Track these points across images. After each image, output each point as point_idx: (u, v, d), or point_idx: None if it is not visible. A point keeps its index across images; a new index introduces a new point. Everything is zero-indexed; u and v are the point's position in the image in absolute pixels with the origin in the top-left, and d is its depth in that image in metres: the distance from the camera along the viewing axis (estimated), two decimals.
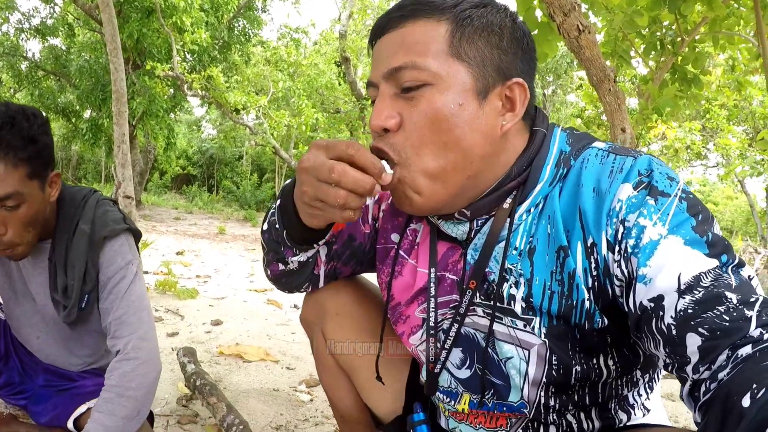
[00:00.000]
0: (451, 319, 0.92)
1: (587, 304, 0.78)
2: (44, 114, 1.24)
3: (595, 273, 0.78)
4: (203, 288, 4.29)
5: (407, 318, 1.00)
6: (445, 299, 0.93)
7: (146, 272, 4.19)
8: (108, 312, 1.34)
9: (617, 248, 0.75)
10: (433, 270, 0.94)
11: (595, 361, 0.83)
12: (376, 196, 1.09)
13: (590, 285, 0.78)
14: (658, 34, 3.63)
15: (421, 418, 1.03)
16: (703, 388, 0.63)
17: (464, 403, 0.95)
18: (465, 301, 0.89)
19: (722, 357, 0.62)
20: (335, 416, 1.32)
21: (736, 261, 0.70)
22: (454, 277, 0.92)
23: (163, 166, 19.69)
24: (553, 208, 0.81)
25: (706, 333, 0.64)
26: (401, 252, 1.01)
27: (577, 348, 0.82)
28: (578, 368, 0.82)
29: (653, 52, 3.69)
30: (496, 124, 0.81)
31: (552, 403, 0.87)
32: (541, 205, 0.83)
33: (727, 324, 0.63)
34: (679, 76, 3.68)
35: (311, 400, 2.24)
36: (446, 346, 0.94)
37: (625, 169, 0.77)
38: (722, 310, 0.65)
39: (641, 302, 0.71)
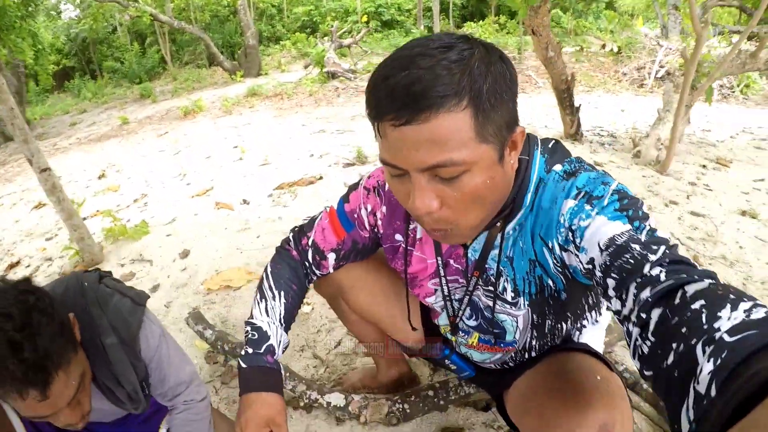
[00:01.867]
0: (462, 292, 1.23)
1: (552, 288, 1.09)
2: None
3: (558, 268, 1.03)
4: (148, 215, 4.18)
5: (422, 286, 1.29)
6: (453, 278, 1.22)
7: (84, 218, 4.05)
8: (162, 382, 1.38)
9: (570, 248, 0.97)
10: (439, 258, 1.20)
11: (561, 315, 1.16)
12: (369, 207, 1.28)
13: (555, 275, 1.06)
14: None
15: (447, 353, 1.43)
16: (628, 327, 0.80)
17: (474, 338, 1.30)
18: (472, 283, 1.18)
19: (630, 296, 0.78)
20: (362, 342, 1.71)
21: (651, 226, 0.87)
22: (459, 266, 1.18)
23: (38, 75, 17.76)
24: (530, 226, 1.04)
25: (616, 276, 0.82)
26: (408, 248, 1.24)
27: (548, 311, 1.14)
28: (549, 321, 1.17)
29: None
30: (509, 169, 0.97)
31: (533, 341, 1.22)
32: (521, 224, 1.05)
33: (630, 266, 0.80)
34: None
35: (312, 309, 2.42)
36: (461, 308, 1.26)
37: (566, 188, 0.98)
38: (628, 257, 0.82)
39: (585, 268, 0.93)
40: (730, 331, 0.58)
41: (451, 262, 1.19)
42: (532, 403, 1.17)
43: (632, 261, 0.81)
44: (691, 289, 0.71)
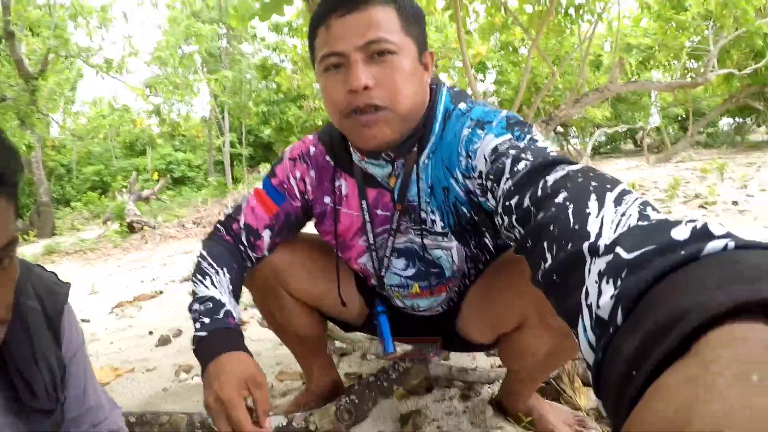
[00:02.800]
0: (388, 237, 1.29)
1: (467, 216, 1.18)
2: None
3: (465, 195, 1.16)
4: None
5: (353, 247, 1.35)
6: (382, 228, 1.29)
7: None
8: (80, 399, 1.08)
9: (469, 174, 1.11)
10: (363, 202, 1.27)
11: (482, 237, 1.24)
12: (298, 174, 1.35)
13: (465, 202, 1.17)
14: None
15: (381, 309, 1.46)
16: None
17: (415, 288, 1.36)
18: (395, 220, 1.25)
19: (499, 191, 0.88)
20: (292, 346, 1.64)
21: (533, 137, 0.99)
22: (387, 213, 1.27)
23: None
24: (440, 155, 1.17)
25: (493, 177, 0.93)
26: (336, 206, 1.33)
27: (469, 237, 1.23)
28: (473, 245, 1.25)
29: None
30: (424, 80, 1.14)
31: (469, 268, 1.32)
32: (434, 152, 1.18)
33: (503, 166, 0.90)
34: None
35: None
36: (387, 254, 1.32)
37: (463, 120, 1.14)
38: (503, 159, 0.92)
39: (478, 184, 1.06)
40: (620, 241, 0.51)
41: (379, 211, 1.27)
42: (481, 310, 1.31)
43: (505, 161, 0.91)
44: (551, 177, 0.75)
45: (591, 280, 0.51)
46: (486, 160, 1.01)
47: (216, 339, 1.11)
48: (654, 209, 0.59)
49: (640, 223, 0.54)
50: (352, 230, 1.33)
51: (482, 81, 15.59)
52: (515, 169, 0.86)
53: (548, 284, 0.61)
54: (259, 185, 1.38)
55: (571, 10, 6.71)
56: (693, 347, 0.33)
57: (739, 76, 10.89)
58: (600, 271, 0.50)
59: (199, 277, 1.23)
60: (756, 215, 4.74)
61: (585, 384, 1.66)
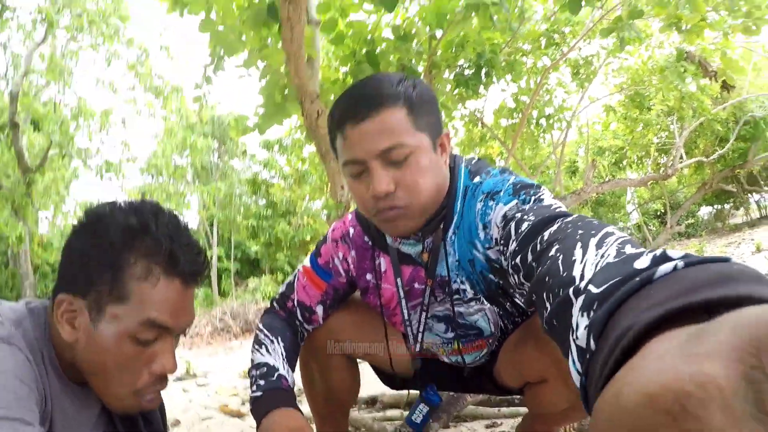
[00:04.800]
0: (420, 310, 1.41)
1: (494, 281, 1.30)
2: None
3: (488, 263, 1.27)
4: None
5: (396, 315, 1.47)
6: (418, 301, 1.41)
7: None
8: None
9: (490, 244, 1.22)
10: (399, 279, 1.39)
11: (518, 300, 1.36)
12: (341, 255, 1.46)
13: (490, 270, 1.29)
14: None
15: (431, 393, 1.55)
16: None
17: (456, 345, 1.45)
18: (427, 294, 1.37)
19: (508, 252, 0.96)
20: (319, 407, 1.67)
21: (538, 197, 1.08)
22: (421, 286, 1.38)
23: None
24: (463, 231, 1.27)
25: (503, 242, 1.03)
26: (378, 282, 1.45)
27: (502, 299, 1.35)
28: (509, 305, 1.37)
29: None
30: (442, 164, 1.22)
31: (507, 324, 1.42)
32: (458, 228, 1.28)
33: (511, 230, 0.99)
34: None
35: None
36: (420, 329, 1.44)
37: (477, 195, 1.24)
38: (511, 224, 1.01)
39: (498, 251, 1.15)
40: (594, 280, 0.56)
41: (416, 285, 1.38)
42: (512, 358, 1.42)
43: (511, 225, 0.99)
44: (547, 232, 0.82)
45: (574, 318, 0.55)
46: (498, 228, 1.11)
47: (269, 397, 1.24)
48: (633, 245, 0.63)
49: (614, 260, 0.58)
50: (394, 302, 1.45)
51: None
52: (519, 230, 0.94)
53: (551, 330, 0.65)
54: (307, 264, 1.50)
55: (542, 121, 7.28)
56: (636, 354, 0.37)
57: (708, 162, 11.44)
58: (579, 308, 0.55)
59: (257, 346, 1.38)
60: None
61: None
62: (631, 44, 5.77)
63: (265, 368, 1.31)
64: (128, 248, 0.93)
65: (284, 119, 4.61)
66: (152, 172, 17.18)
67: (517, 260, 0.89)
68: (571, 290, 0.59)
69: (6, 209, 12.30)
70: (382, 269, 1.42)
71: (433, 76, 4.83)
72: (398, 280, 1.38)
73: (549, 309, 0.65)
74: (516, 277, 0.91)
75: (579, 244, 0.68)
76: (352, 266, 1.46)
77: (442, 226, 1.28)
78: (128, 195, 14.62)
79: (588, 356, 0.49)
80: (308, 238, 15.61)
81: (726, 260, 0.44)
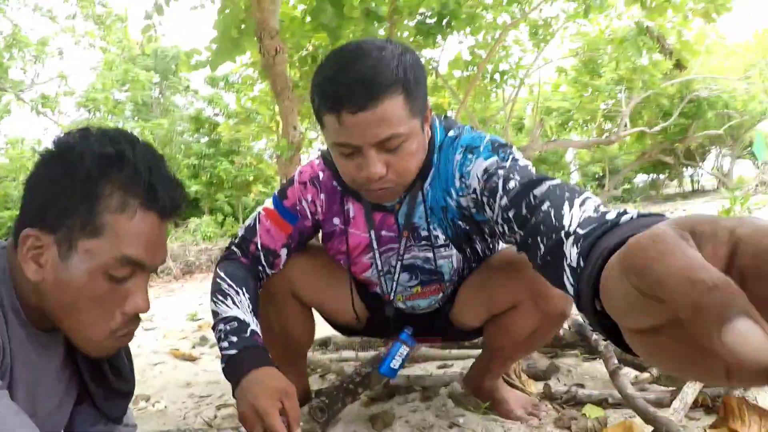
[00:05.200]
0: (395, 258, 1.50)
1: (462, 227, 1.43)
2: None
3: (459, 210, 1.40)
4: None
5: (359, 263, 1.55)
6: (387, 247, 1.50)
7: None
8: (129, 412, 1.22)
9: (463, 192, 1.35)
10: (372, 231, 1.47)
11: (476, 244, 1.50)
12: (309, 197, 1.49)
13: (460, 216, 1.41)
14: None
15: (406, 335, 1.60)
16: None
17: (417, 290, 1.57)
18: (402, 244, 1.47)
19: (496, 205, 1.12)
20: (277, 351, 1.64)
21: (515, 157, 1.22)
22: (392, 234, 1.47)
23: None
24: (438, 180, 1.39)
25: (488, 194, 1.17)
26: (346, 227, 1.51)
27: (465, 245, 1.48)
28: (469, 251, 1.50)
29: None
30: (426, 135, 1.30)
31: (465, 270, 1.56)
32: (433, 179, 1.39)
33: (496, 185, 1.14)
34: None
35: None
36: (395, 276, 1.53)
37: (455, 147, 1.35)
38: (494, 179, 1.16)
39: (473, 199, 1.31)
40: (580, 226, 0.78)
41: (383, 232, 1.47)
42: (477, 295, 1.54)
43: (497, 181, 1.14)
44: (537, 191, 0.99)
45: (567, 250, 0.76)
46: (479, 180, 1.23)
47: (246, 356, 1.22)
48: (604, 206, 0.86)
49: (592, 215, 0.81)
50: (359, 249, 1.51)
51: None
52: (507, 187, 1.10)
53: (544, 263, 0.86)
54: (268, 206, 1.51)
55: (497, 76, 7.33)
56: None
57: (650, 133, 11.89)
58: (570, 243, 0.76)
59: (221, 297, 1.34)
60: None
61: (530, 377, 1.96)
62: (593, 12, 5.82)
63: (236, 323, 1.28)
64: (104, 178, 0.88)
65: (238, 55, 4.48)
66: (90, 106, 16.41)
67: (510, 214, 1.05)
68: (563, 233, 0.81)
69: None
70: (351, 215, 1.48)
71: (394, 22, 4.76)
72: (371, 232, 1.47)
73: (543, 248, 0.88)
74: (506, 226, 1.07)
75: (567, 203, 0.88)
76: (320, 209, 1.50)
77: (419, 181, 1.36)
78: (64, 131, 13.91)
79: (579, 271, 0.71)
80: (251, 178, 15.37)
81: (663, 216, 0.63)
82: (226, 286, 1.36)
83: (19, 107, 14.39)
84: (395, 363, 1.58)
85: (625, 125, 9.69)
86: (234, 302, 1.33)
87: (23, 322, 0.94)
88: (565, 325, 2.21)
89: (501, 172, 1.16)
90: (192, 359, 3.08)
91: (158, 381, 2.66)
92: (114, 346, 0.97)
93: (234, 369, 1.22)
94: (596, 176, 18.57)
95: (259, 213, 1.51)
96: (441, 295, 1.59)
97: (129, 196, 0.89)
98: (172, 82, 21.21)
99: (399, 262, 1.51)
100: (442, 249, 1.48)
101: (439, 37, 5.13)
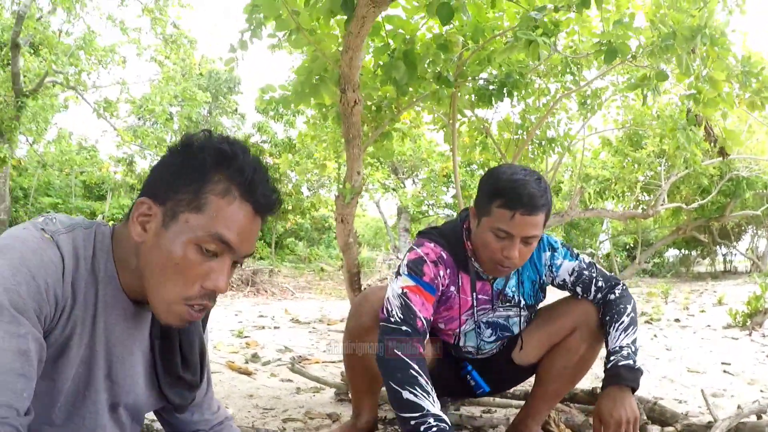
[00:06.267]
0: (488, 314, 2.00)
1: (540, 296, 2.04)
2: None
3: (539, 286, 2.05)
4: None
5: (457, 319, 1.98)
6: (481, 307, 1.98)
7: None
8: (205, 387, 1.32)
9: (549, 276, 2.02)
10: (474, 294, 1.96)
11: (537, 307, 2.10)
12: (441, 273, 1.89)
13: (540, 289, 2.04)
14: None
15: (470, 367, 2.06)
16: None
17: (494, 341, 2.09)
18: (498, 306, 1.99)
19: (590, 296, 1.97)
20: (359, 381, 2.10)
21: (582, 257, 2.01)
22: (486, 297, 1.98)
23: None
24: (527, 264, 1.99)
25: (580, 288, 1.99)
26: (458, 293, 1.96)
27: (533, 309, 2.07)
28: (533, 314, 2.08)
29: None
30: None
31: (523, 326, 2.07)
32: (524, 265, 1.98)
33: (586, 283, 1.98)
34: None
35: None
36: (484, 328, 2.03)
37: (541, 247, 2.01)
38: (583, 278, 1.98)
39: (557, 283, 2.03)
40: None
41: (480, 296, 1.96)
42: (539, 330, 2.02)
43: (587, 279, 1.97)
44: (611, 296, 1.92)
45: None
46: (569, 275, 1.98)
47: None
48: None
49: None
50: (463, 309, 1.96)
51: (444, 193, 16.52)
52: (599, 285, 1.95)
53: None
54: (410, 284, 1.81)
55: (543, 143, 7.57)
56: None
57: (686, 210, 11.92)
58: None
59: (421, 392, 1.63)
60: (695, 330, 5.44)
61: (567, 427, 2.21)
62: (651, 98, 6.09)
63: (437, 420, 1.59)
64: (216, 167, 1.03)
65: (316, 100, 4.82)
66: (145, 115, 17.09)
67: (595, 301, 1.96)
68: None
69: None
70: (460, 284, 1.93)
71: (458, 84, 5.08)
72: (474, 294, 1.95)
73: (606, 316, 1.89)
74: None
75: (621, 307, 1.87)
76: (447, 280, 1.91)
77: None
78: (120, 134, 14.51)
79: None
80: (290, 207, 15.81)
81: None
82: (424, 381, 1.65)
83: (75, 104, 15.07)
84: (473, 382, 2.06)
85: (663, 200, 9.83)
86: (435, 400, 1.64)
87: (117, 289, 1.08)
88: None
89: (586, 273, 1.97)
90: (248, 373, 3.35)
91: (220, 389, 2.92)
92: (183, 314, 1.06)
93: None
94: (627, 247, 18.58)
95: (404, 292, 1.79)
96: (500, 342, 2.11)
97: (232, 186, 1.03)
98: (221, 104, 21.88)
99: (491, 313, 2.00)
100: (521, 310, 2.02)
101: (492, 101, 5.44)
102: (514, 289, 1.98)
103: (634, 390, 1.74)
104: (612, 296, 1.92)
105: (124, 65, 15.01)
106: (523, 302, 2.00)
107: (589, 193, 12.46)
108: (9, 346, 0.88)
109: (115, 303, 1.09)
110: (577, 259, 1.99)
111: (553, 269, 1.99)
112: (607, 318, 1.88)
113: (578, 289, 1.97)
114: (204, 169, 1.03)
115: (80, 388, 1.08)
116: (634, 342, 1.81)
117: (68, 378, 1.04)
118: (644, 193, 12.59)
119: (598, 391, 2.39)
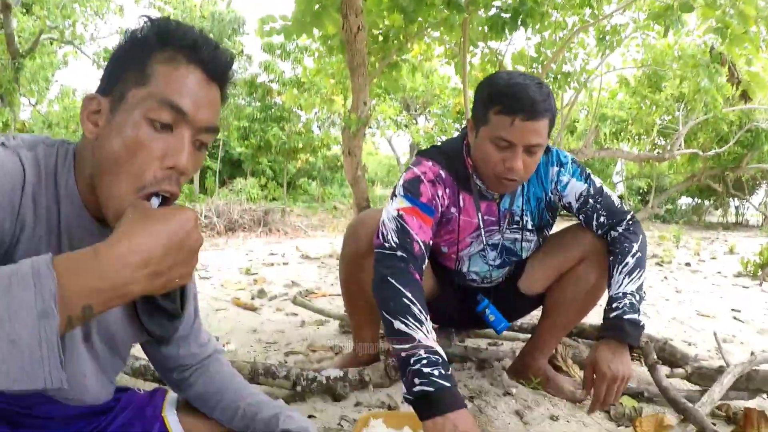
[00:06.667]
0: (496, 238, 1.86)
1: (546, 216, 1.86)
2: None
3: (548, 204, 1.85)
4: None
5: (462, 241, 1.86)
6: (489, 229, 1.84)
7: None
8: (190, 319, 1.25)
9: (556, 194, 1.83)
10: (480, 214, 1.81)
11: (546, 232, 1.94)
12: (439, 192, 1.73)
13: (547, 208, 1.85)
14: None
15: (486, 301, 1.96)
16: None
17: (501, 265, 1.97)
18: (504, 224, 1.84)
19: (592, 227, 1.81)
20: (359, 313, 2.03)
21: (593, 180, 1.80)
22: (493, 218, 1.83)
23: None
24: (534, 178, 1.82)
25: (584, 215, 1.81)
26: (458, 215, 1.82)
27: (544, 231, 1.92)
28: (542, 235, 1.92)
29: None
30: None
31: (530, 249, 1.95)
32: (530, 180, 1.81)
33: (590, 212, 1.79)
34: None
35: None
36: (491, 251, 1.90)
37: (550, 160, 1.82)
38: (588, 206, 1.79)
39: (563, 204, 1.84)
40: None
41: (486, 217, 1.81)
42: (545, 260, 1.91)
43: (590, 210, 1.79)
44: (614, 233, 1.76)
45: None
46: (575, 200, 1.80)
47: (444, 397, 1.33)
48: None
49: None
50: (467, 231, 1.83)
51: (457, 130, 16.37)
52: (601, 221, 1.77)
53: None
54: (404, 205, 1.66)
55: (559, 77, 7.36)
56: None
57: (702, 157, 11.66)
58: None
59: (413, 322, 1.45)
60: (705, 275, 5.35)
61: (574, 362, 2.13)
62: (674, 33, 5.83)
63: (437, 357, 1.40)
64: (159, 41, 0.95)
65: (317, 29, 4.61)
66: None
67: (602, 231, 1.79)
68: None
69: None
70: (462, 204, 1.78)
71: (470, 11, 4.85)
72: (479, 215, 1.81)
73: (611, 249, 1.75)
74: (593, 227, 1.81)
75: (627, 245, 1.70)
76: (446, 200, 1.77)
77: None
78: None
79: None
80: (300, 145, 15.68)
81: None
82: (417, 310, 1.47)
83: (74, 59, 14.83)
84: (491, 317, 1.94)
85: (680, 145, 9.61)
86: (428, 330, 1.45)
87: (80, 207, 0.99)
88: None
89: (592, 201, 1.78)
90: (253, 309, 3.29)
91: (224, 325, 2.87)
92: None
93: (428, 405, 1.33)
94: (640, 191, 18.40)
95: (400, 215, 1.64)
96: (508, 268, 1.98)
97: (177, 51, 0.95)
98: (227, 46, 21.50)
99: (501, 236, 1.87)
100: (528, 233, 1.87)
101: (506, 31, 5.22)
102: (522, 207, 1.84)
103: (632, 348, 1.59)
104: (615, 233, 1.75)
105: (122, 14, 14.69)
106: (528, 223, 1.86)
107: (604, 134, 12.22)
108: None
109: (78, 221, 1.00)
110: (586, 181, 1.80)
111: (559, 187, 1.82)
112: (611, 258, 1.71)
113: (581, 217, 1.81)
114: (146, 45, 0.95)
115: None
116: (639, 289, 1.64)
117: None
118: (661, 137, 12.35)
119: None
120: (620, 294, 1.62)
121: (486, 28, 5.11)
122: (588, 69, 7.39)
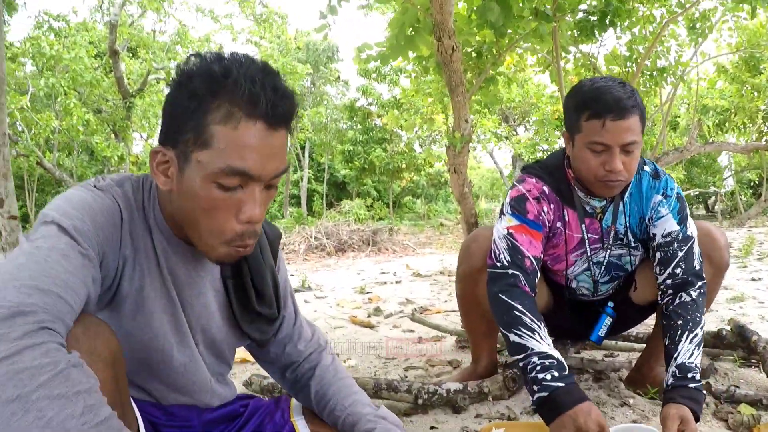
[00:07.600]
0: (600, 256, 1.89)
1: (645, 234, 1.83)
2: None
3: (646, 223, 1.82)
4: None
5: (565, 261, 1.90)
6: (593, 246, 1.87)
7: None
8: (291, 318, 1.32)
9: (650, 221, 1.80)
10: (584, 227, 1.83)
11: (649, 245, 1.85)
12: (545, 209, 1.79)
13: (645, 231, 1.83)
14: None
15: (610, 310, 1.99)
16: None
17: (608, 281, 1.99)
18: (609, 241, 1.85)
19: (662, 275, 1.75)
20: (478, 327, 2.12)
21: (687, 227, 1.77)
22: (596, 236, 1.85)
23: None
24: (636, 196, 1.81)
25: (660, 256, 1.77)
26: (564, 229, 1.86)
27: (645, 246, 1.88)
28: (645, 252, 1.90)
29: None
30: None
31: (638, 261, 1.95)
32: (630, 195, 1.80)
33: (669, 256, 1.75)
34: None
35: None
36: (597, 269, 1.92)
37: (656, 186, 1.81)
38: (670, 248, 1.75)
39: (649, 233, 1.81)
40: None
41: (590, 234, 1.84)
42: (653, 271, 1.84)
43: (671, 253, 1.74)
44: (686, 296, 1.70)
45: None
46: (661, 235, 1.77)
47: (568, 393, 1.45)
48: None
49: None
50: (570, 246, 1.87)
51: (558, 138, 16.11)
52: (676, 272, 1.73)
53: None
54: (512, 224, 1.75)
55: (655, 73, 7.16)
56: None
57: None
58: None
59: (526, 332, 1.57)
60: None
61: None
62: (762, 8, 5.58)
63: (554, 360, 1.53)
64: (210, 94, 0.93)
65: (412, 52, 4.79)
66: None
67: (665, 280, 1.75)
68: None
69: (105, 132, 13.30)
70: (567, 220, 1.83)
71: (557, 18, 4.87)
72: (583, 226, 1.84)
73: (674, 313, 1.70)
74: (660, 271, 1.77)
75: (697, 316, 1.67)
76: (552, 216, 1.82)
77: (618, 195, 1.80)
78: None
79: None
80: (403, 165, 15.96)
81: None
82: (528, 320, 1.58)
83: None
84: (602, 332, 1.93)
85: None
86: (543, 336, 1.57)
87: (170, 236, 1.07)
88: (727, 327, 2.43)
89: (676, 246, 1.75)
90: (370, 326, 3.46)
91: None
92: (230, 253, 1.01)
93: (556, 402, 1.45)
94: (751, 184, 17.33)
95: (510, 233, 1.74)
96: (616, 282, 2.01)
97: (233, 108, 0.92)
98: (323, 74, 22.20)
99: (603, 252, 1.89)
100: (633, 249, 1.88)
101: (596, 33, 5.18)
102: (625, 224, 1.83)
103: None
104: (688, 297, 1.70)
105: (222, 51, 15.58)
106: (631, 240, 1.85)
107: (708, 126, 11.66)
108: (70, 254, 0.89)
109: (171, 248, 1.08)
110: (681, 224, 1.77)
111: (655, 216, 1.80)
112: (680, 322, 1.65)
113: (658, 254, 1.77)
114: (199, 99, 0.94)
115: (170, 335, 1.10)
116: (699, 365, 1.62)
117: (157, 329, 1.07)
118: (767, 124, 11.64)
119: (724, 333, 2.36)
120: (693, 365, 1.59)
121: (576, 32, 5.12)
122: (683, 61, 7.15)
